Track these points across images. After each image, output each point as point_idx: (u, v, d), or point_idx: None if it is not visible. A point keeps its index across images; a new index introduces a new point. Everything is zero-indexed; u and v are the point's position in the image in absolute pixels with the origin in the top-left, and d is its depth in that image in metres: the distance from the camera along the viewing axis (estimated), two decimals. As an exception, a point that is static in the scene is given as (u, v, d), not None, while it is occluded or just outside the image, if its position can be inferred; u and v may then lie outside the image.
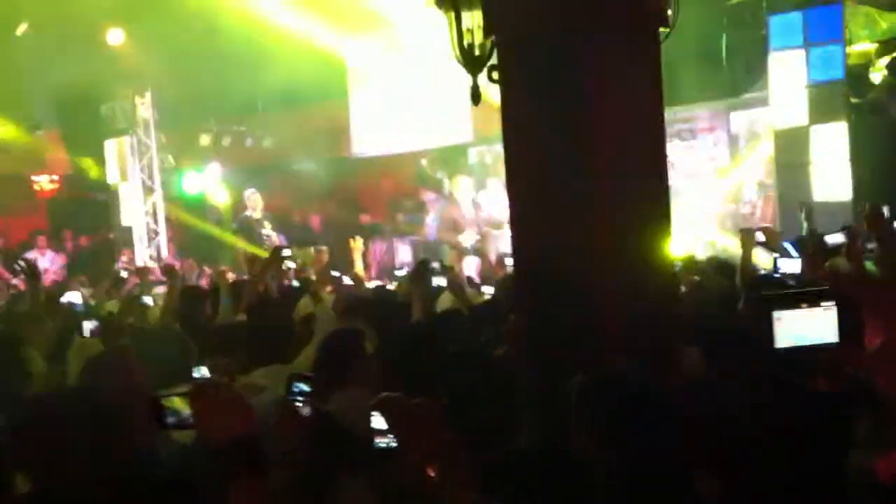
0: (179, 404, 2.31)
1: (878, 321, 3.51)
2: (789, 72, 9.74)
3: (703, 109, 11.43)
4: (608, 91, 3.99)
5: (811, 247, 5.10)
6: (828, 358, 2.49)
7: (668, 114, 10.84)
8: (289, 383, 2.62)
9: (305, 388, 2.60)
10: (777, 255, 5.39)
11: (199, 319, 5.89)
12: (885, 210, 5.10)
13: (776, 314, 2.51)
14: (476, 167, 12.99)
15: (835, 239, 5.01)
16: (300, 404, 2.56)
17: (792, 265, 5.00)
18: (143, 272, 8.82)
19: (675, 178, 11.36)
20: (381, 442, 2.19)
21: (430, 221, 12.72)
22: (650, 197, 4.15)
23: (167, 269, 7.07)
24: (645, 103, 4.16)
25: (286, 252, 7.13)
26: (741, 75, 10.55)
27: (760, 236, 5.71)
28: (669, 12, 4.29)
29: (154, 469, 2.43)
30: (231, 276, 7.37)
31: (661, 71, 4.19)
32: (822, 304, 2.49)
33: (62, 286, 5.69)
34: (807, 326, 2.49)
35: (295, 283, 7.11)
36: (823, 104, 9.55)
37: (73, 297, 5.12)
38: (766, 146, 10.60)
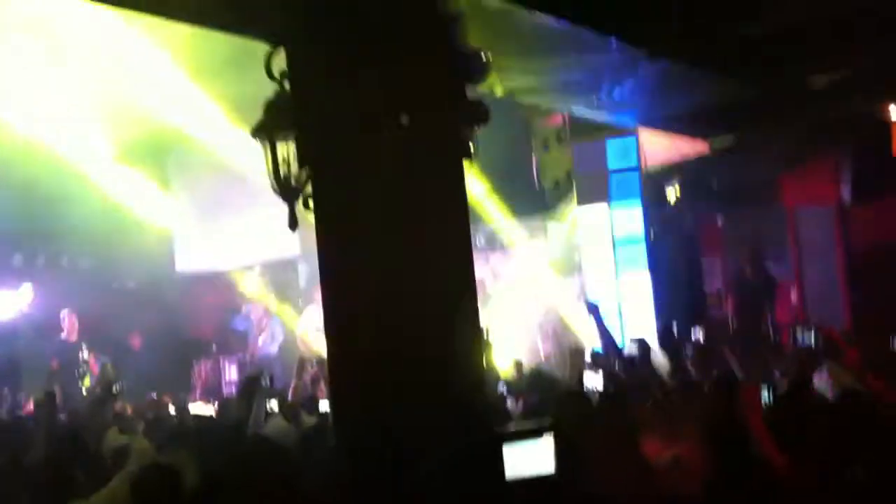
0: None
1: (659, 433, 3.82)
2: (593, 192, 10.55)
3: (522, 223, 12.06)
4: (417, 217, 4.21)
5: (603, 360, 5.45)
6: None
7: (490, 227, 11.38)
8: None
9: None
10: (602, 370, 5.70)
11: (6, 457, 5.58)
12: (675, 326, 5.53)
13: (505, 447, 2.70)
14: (309, 284, 12.97)
15: (629, 351, 5.37)
16: None
17: (595, 379, 5.33)
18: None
19: (498, 288, 11.98)
20: None
21: (263, 339, 12.58)
22: (462, 313, 4.38)
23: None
24: (453, 224, 4.43)
25: (116, 387, 6.97)
26: (552, 193, 11.30)
27: (587, 355, 6.06)
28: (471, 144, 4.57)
29: None
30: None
31: (466, 196, 4.47)
32: (544, 436, 2.70)
33: None
34: (529, 459, 2.68)
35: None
36: (625, 221, 10.37)
37: None
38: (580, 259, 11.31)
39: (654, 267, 10.23)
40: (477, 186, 10.85)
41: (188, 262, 13.17)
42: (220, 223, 12.74)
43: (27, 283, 13.36)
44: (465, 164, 4.56)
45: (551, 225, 12.01)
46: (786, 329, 9.96)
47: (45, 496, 4.51)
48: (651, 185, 10.45)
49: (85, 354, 11.10)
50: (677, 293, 10.00)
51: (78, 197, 11.30)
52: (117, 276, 13.38)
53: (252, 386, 6.35)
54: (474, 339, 4.42)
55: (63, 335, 11.34)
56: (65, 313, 11.46)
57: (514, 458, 2.75)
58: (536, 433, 2.73)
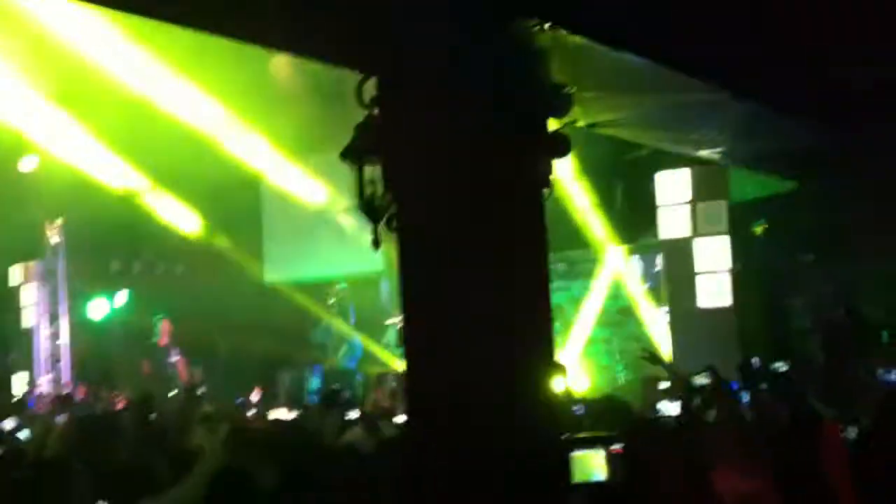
0: None
1: (732, 467, 3.82)
2: (677, 224, 10.47)
3: (607, 252, 12.03)
4: (495, 242, 4.31)
5: (678, 389, 5.45)
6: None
7: (577, 255, 11.36)
8: None
9: None
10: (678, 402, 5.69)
11: (96, 452, 5.89)
12: (756, 361, 5.48)
13: (572, 454, 2.85)
14: (391, 297, 13.15)
15: (700, 380, 5.35)
16: None
17: (672, 408, 5.34)
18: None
19: (582, 316, 11.98)
20: None
21: (343, 352, 12.84)
22: (536, 339, 4.46)
23: (63, 399, 7.06)
24: (531, 252, 4.52)
25: (201, 390, 7.25)
26: (636, 224, 11.25)
27: (664, 383, 6.07)
28: (552, 176, 4.65)
29: None
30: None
31: (544, 224, 4.56)
32: (612, 446, 2.83)
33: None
34: (598, 466, 2.82)
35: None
36: (709, 252, 10.25)
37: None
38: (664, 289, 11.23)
39: (738, 301, 10.10)
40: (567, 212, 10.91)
41: (276, 273, 13.55)
42: (308, 237, 13.07)
43: (123, 289, 13.97)
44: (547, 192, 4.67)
45: (636, 254, 11.97)
46: (876, 370, 9.70)
47: (130, 488, 4.75)
48: (738, 217, 10.32)
49: (174, 358, 11.52)
50: (761, 328, 9.84)
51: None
52: (209, 285, 13.81)
53: (332, 396, 6.56)
54: (547, 361, 4.51)
55: (155, 339, 11.78)
56: (158, 318, 11.90)
57: (580, 464, 2.93)
58: (602, 442, 2.88)
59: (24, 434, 6.89)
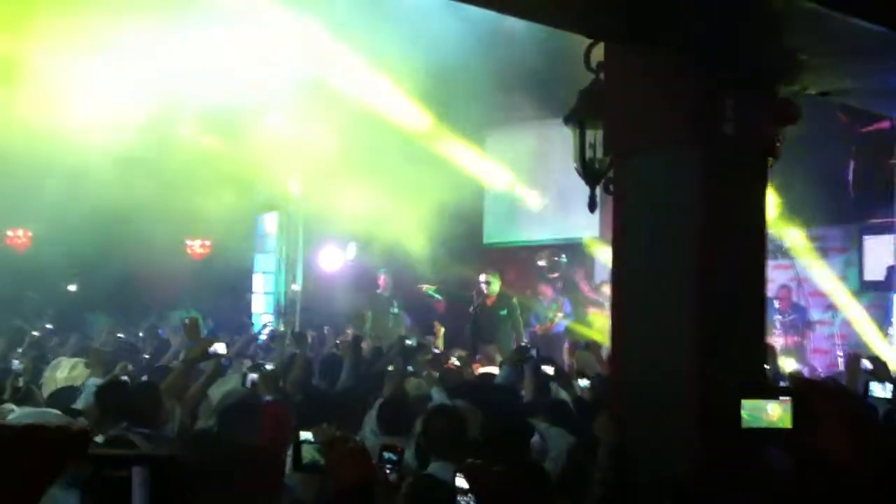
0: (313, 452, 2.81)
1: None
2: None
3: (835, 231, 11.45)
4: (715, 211, 4.33)
5: (885, 373, 5.27)
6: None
7: (800, 232, 10.77)
8: (380, 452, 3.08)
9: (393, 456, 3.06)
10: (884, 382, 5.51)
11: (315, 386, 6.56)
12: None
13: (743, 402, 2.92)
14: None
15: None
16: (388, 471, 3.01)
17: (884, 390, 5.18)
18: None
19: (801, 296, 11.48)
20: (463, 500, 2.61)
21: (556, 315, 13.01)
22: (748, 307, 4.44)
23: (298, 338, 7.74)
24: (750, 221, 4.49)
25: (409, 342, 7.74)
26: (868, 201, 10.62)
27: (867, 364, 5.87)
28: (778, 144, 4.59)
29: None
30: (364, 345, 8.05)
31: (765, 192, 4.52)
32: (781, 397, 2.87)
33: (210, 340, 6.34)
34: (766, 413, 2.89)
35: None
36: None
37: (219, 348, 5.76)
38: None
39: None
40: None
41: (494, 235, 13.90)
42: (528, 197, 13.28)
43: (352, 242, 14.85)
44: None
45: (870, 236, 11.27)
46: None
47: (349, 414, 5.28)
48: None
49: (396, 309, 12.19)
50: None
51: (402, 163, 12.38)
52: (429, 244, 14.34)
53: (519, 355, 6.81)
54: (757, 338, 4.49)
55: (378, 290, 12.51)
56: (381, 272, 12.62)
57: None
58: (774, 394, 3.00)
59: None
